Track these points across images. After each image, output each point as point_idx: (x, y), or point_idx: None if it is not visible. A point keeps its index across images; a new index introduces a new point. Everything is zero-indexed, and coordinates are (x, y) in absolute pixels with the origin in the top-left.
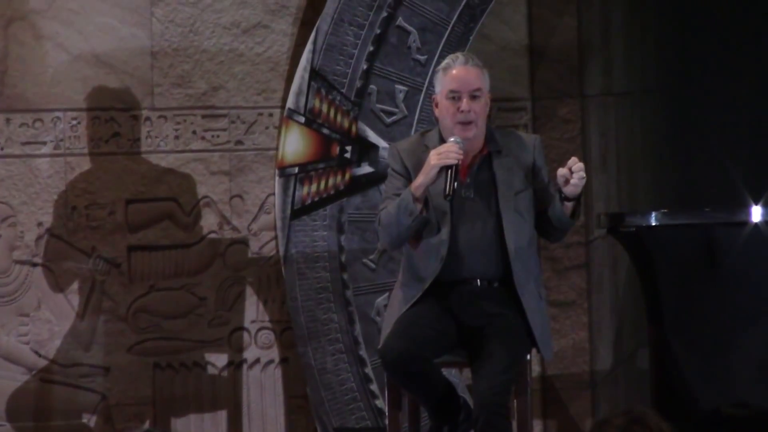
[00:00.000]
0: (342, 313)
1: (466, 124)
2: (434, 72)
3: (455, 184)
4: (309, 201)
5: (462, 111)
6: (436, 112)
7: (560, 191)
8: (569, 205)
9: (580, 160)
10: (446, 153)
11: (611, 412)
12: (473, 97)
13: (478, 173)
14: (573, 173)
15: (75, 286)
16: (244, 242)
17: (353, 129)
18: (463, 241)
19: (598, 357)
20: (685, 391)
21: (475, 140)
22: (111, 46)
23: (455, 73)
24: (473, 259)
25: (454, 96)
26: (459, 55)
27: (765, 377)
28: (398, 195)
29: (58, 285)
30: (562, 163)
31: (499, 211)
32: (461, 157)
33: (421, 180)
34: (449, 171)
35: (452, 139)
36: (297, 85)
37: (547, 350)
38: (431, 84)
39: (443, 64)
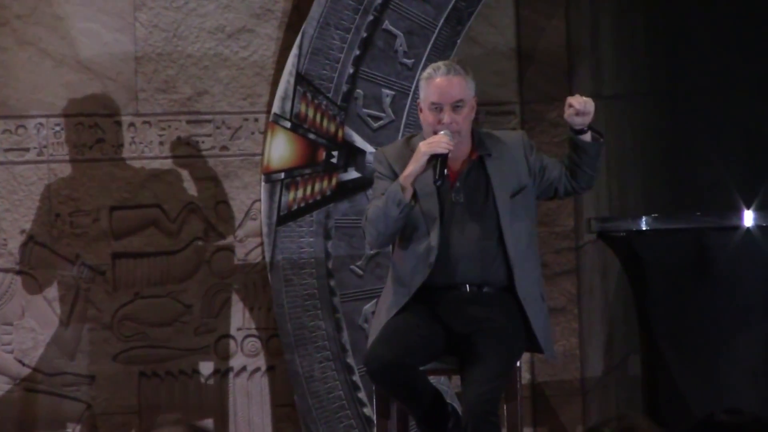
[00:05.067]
0: (329, 320)
1: None
2: (419, 79)
3: (445, 171)
4: (295, 207)
5: (443, 123)
6: (421, 116)
7: (572, 129)
8: (587, 135)
9: None
10: (437, 142)
11: (602, 419)
12: (455, 107)
13: (468, 178)
14: (575, 105)
15: (59, 293)
16: (229, 249)
17: (340, 134)
18: (453, 247)
19: (588, 363)
20: (677, 398)
21: (461, 146)
22: (94, 52)
23: (437, 84)
24: (464, 264)
25: (436, 107)
26: (441, 64)
27: (758, 382)
28: None
29: (42, 293)
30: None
31: (498, 215)
32: (451, 147)
33: (410, 169)
34: (438, 159)
35: (442, 132)
36: (283, 90)
37: (550, 352)
38: (418, 88)
39: (425, 74)
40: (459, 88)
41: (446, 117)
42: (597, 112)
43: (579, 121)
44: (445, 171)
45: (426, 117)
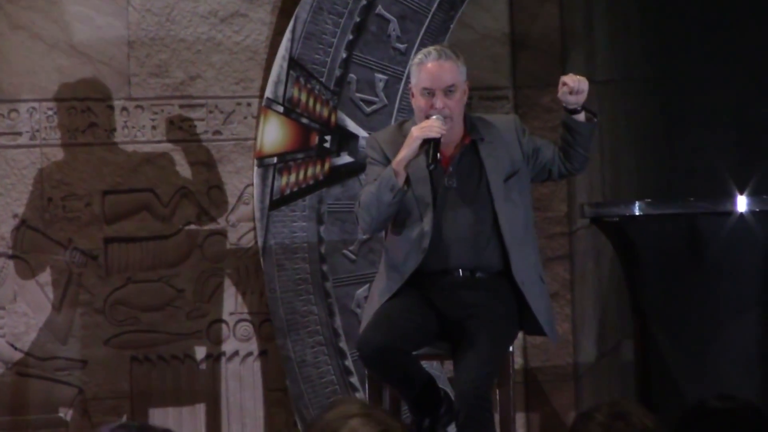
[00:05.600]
0: (321, 305)
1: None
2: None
3: (438, 155)
4: (288, 191)
5: (435, 108)
6: (413, 102)
7: (567, 110)
8: (580, 114)
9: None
10: (429, 127)
11: (594, 405)
12: (447, 92)
13: (460, 162)
14: (569, 84)
15: (51, 278)
16: (222, 233)
17: (332, 118)
18: (446, 232)
19: (581, 349)
20: (669, 383)
21: (454, 130)
22: (87, 36)
23: (428, 69)
24: (457, 249)
25: (428, 92)
26: (431, 50)
27: (750, 368)
28: None
29: (35, 277)
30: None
31: (492, 200)
32: (444, 131)
33: (403, 154)
34: (431, 143)
35: (435, 117)
36: (275, 75)
37: (553, 334)
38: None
39: (416, 59)
40: (450, 72)
41: (438, 102)
42: (590, 98)
43: (573, 100)
44: (438, 156)
45: (418, 102)
